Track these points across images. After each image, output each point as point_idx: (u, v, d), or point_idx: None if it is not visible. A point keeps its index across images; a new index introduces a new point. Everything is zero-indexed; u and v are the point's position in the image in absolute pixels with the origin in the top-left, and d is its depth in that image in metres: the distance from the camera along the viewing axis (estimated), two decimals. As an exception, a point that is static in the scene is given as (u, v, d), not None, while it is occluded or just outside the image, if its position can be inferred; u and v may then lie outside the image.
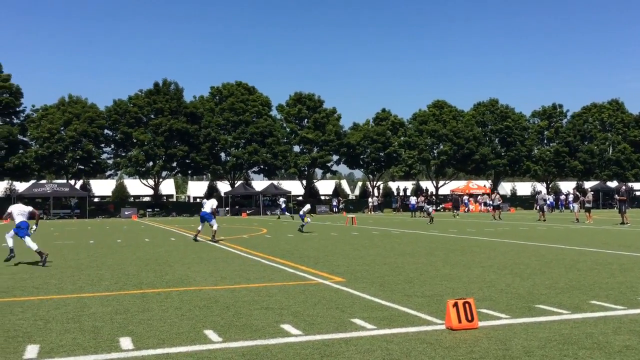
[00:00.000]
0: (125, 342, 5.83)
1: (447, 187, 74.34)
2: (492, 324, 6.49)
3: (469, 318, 6.21)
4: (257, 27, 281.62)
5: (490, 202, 55.77)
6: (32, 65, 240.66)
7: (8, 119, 56.92)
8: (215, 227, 19.56)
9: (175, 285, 9.57)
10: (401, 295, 8.34)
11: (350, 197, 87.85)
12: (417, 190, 72.44)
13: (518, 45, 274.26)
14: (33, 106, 58.91)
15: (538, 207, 35.00)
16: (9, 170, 54.62)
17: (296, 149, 64.51)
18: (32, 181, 56.87)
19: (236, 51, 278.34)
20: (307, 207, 26.14)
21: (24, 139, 57.04)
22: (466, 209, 56.02)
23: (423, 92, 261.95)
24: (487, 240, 18.77)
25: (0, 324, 6.77)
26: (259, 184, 68.87)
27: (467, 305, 6.26)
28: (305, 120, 64.75)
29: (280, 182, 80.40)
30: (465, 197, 59.43)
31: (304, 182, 68.19)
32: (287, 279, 10.17)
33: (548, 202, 55.73)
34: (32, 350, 5.60)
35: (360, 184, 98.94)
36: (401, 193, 68.50)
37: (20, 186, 60.64)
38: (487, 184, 73.81)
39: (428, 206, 33.54)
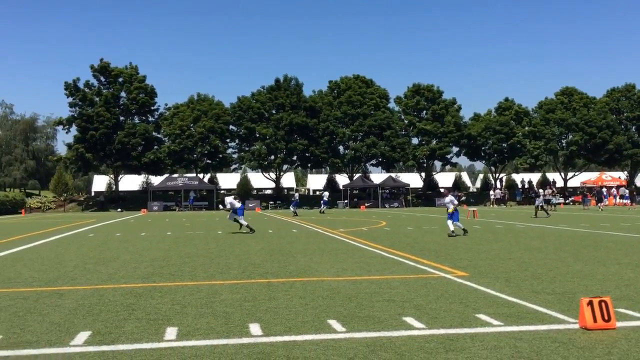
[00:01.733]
0: (255, 328, 6.11)
1: (577, 179, 70.09)
2: (632, 324, 6.06)
3: (606, 318, 5.85)
4: (374, 17, 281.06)
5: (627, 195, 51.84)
6: (164, 65, 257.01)
7: (144, 117, 61.51)
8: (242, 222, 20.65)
9: (299, 276, 9.85)
10: (528, 291, 8.01)
11: (471, 190, 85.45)
12: (544, 183, 68.91)
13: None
14: (166, 105, 63.34)
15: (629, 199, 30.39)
16: (145, 165, 59.00)
17: (414, 141, 63.81)
18: (166, 175, 60.99)
19: (354, 44, 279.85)
20: (450, 198, 18.11)
21: (158, 135, 61.34)
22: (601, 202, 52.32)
23: (549, 79, 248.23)
24: (623, 235, 17.48)
25: (143, 307, 7.34)
26: (378, 176, 68.92)
27: (603, 304, 5.89)
28: (424, 111, 63.81)
29: (399, 174, 79.93)
30: (604, 190, 55.43)
31: (423, 174, 67.30)
32: (408, 272, 10.12)
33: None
34: (171, 332, 6.02)
35: (481, 176, 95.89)
36: (526, 185, 65.55)
37: (155, 180, 65.16)
38: (622, 175, 68.65)
39: (536, 199, 30.86)
